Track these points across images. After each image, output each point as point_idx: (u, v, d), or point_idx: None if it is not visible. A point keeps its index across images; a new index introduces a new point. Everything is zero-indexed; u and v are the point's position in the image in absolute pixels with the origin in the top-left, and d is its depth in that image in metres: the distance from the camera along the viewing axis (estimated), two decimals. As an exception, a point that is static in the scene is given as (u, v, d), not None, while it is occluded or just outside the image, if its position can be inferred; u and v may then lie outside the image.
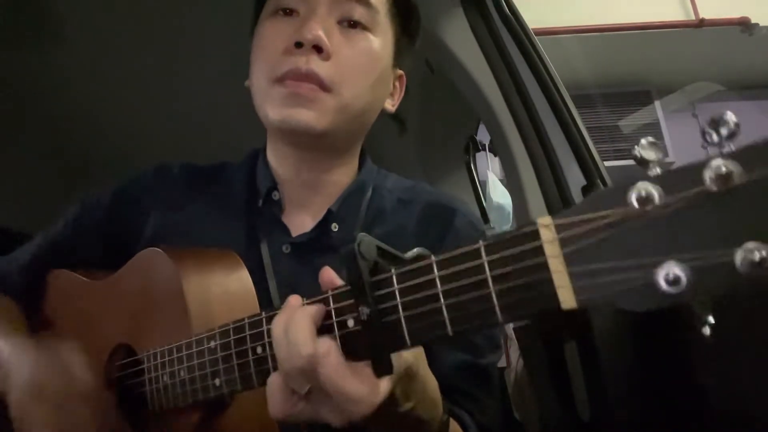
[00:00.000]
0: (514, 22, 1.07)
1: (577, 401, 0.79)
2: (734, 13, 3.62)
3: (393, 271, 0.41)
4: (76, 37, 1.32)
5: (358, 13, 0.69)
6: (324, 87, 0.66)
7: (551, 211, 1.00)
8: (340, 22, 0.69)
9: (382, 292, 0.41)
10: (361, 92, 0.70)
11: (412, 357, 0.45)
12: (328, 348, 0.42)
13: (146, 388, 0.61)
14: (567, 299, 0.32)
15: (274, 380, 0.45)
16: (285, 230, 0.73)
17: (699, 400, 0.64)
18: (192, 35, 1.32)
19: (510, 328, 1.44)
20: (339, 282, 0.46)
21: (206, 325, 0.55)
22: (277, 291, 0.68)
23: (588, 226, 0.31)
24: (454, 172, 1.75)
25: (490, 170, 1.71)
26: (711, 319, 0.29)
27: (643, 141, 0.31)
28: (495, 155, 1.63)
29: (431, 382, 0.52)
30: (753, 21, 3.61)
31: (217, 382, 0.52)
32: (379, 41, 0.72)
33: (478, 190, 1.74)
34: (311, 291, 0.68)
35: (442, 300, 0.38)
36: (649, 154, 0.30)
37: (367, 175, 0.79)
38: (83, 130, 1.59)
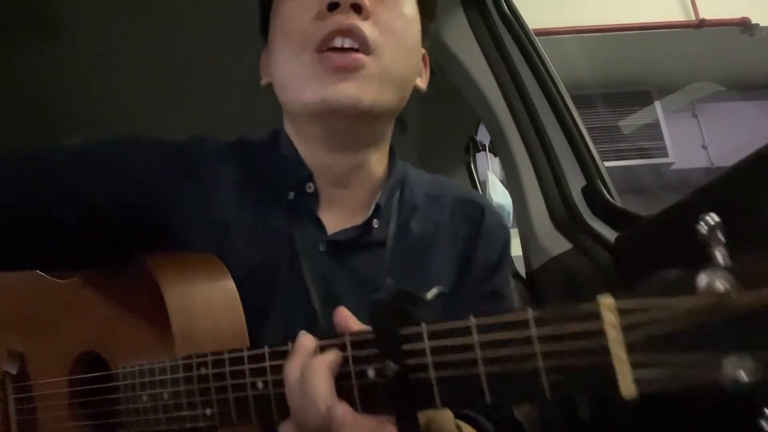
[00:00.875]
0: (514, 22, 1.07)
1: (577, 401, 0.79)
2: (734, 14, 3.62)
3: (424, 326, 0.38)
4: (76, 35, 1.32)
5: None
6: (366, 47, 0.62)
7: (551, 211, 1.00)
8: None
9: (412, 347, 0.38)
10: (400, 57, 0.66)
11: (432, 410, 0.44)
12: (344, 412, 0.39)
13: (121, 408, 0.57)
14: (627, 388, 0.30)
15: (286, 429, 0.43)
16: (321, 227, 0.67)
17: (697, 401, 0.64)
18: (193, 33, 1.32)
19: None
20: (355, 325, 0.44)
21: (189, 339, 0.52)
22: (317, 293, 0.63)
23: (654, 314, 0.30)
24: (454, 172, 1.75)
25: (490, 170, 1.70)
26: None
27: (707, 220, 0.29)
28: (495, 155, 1.62)
29: (449, 424, 0.50)
30: (753, 21, 3.61)
31: (208, 412, 0.49)
32: (410, 6, 0.69)
33: (478, 190, 1.74)
34: (348, 293, 0.64)
35: (481, 367, 0.35)
36: (714, 237, 0.29)
37: (400, 170, 0.74)
38: (83, 130, 1.59)
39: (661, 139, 3.97)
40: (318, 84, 0.62)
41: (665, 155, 3.92)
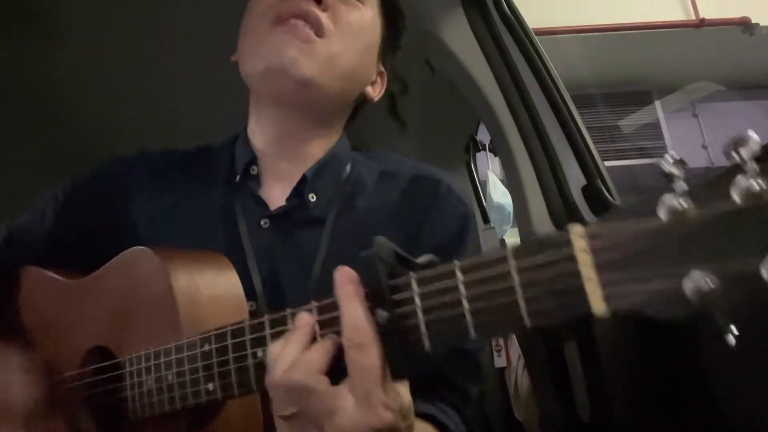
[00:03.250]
0: (514, 22, 1.07)
1: (577, 401, 0.79)
2: (735, 13, 3.63)
3: (412, 274, 0.40)
4: (75, 35, 1.32)
5: None
6: (319, 30, 0.69)
7: (552, 211, 1.00)
8: None
9: (401, 296, 0.40)
10: (350, 50, 0.72)
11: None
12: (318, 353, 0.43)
13: (127, 394, 0.58)
14: (598, 307, 0.32)
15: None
16: (262, 204, 0.72)
17: (697, 401, 0.64)
18: (195, 33, 1.32)
19: (510, 328, 1.44)
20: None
21: (195, 327, 0.53)
22: (256, 268, 0.67)
23: (619, 237, 0.32)
24: (454, 172, 1.75)
25: (490, 170, 1.70)
26: (734, 329, 0.29)
27: (668, 157, 0.32)
28: (495, 155, 1.62)
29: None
30: (753, 21, 3.62)
31: (210, 386, 0.51)
32: (370, 16, 0.75)
33: (478, 190, 1.74)
34: (291, 266, 0.68)
35: (465, 305, 0.37)
36: (675, 170, 0.31)
37: (343, 149, 0.79)
38: (83, 129, 1.59)
39: (661, 138, 3.98)
40: (267, 49, 0.69)
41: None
